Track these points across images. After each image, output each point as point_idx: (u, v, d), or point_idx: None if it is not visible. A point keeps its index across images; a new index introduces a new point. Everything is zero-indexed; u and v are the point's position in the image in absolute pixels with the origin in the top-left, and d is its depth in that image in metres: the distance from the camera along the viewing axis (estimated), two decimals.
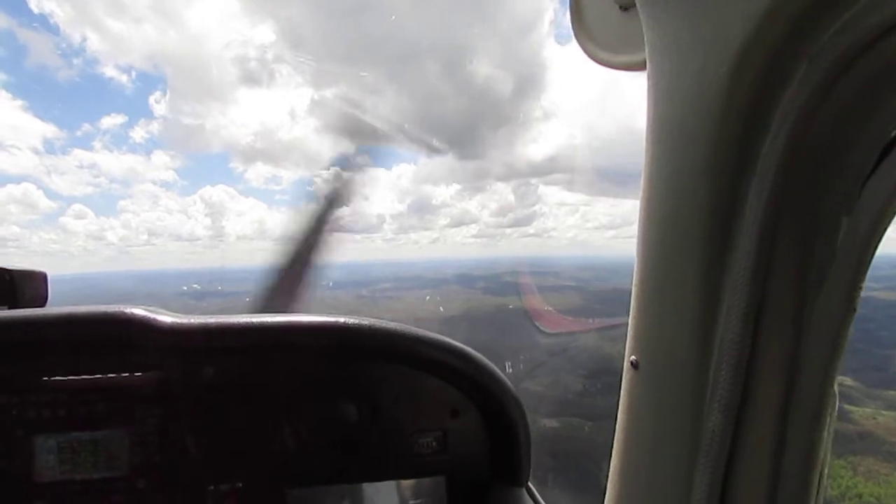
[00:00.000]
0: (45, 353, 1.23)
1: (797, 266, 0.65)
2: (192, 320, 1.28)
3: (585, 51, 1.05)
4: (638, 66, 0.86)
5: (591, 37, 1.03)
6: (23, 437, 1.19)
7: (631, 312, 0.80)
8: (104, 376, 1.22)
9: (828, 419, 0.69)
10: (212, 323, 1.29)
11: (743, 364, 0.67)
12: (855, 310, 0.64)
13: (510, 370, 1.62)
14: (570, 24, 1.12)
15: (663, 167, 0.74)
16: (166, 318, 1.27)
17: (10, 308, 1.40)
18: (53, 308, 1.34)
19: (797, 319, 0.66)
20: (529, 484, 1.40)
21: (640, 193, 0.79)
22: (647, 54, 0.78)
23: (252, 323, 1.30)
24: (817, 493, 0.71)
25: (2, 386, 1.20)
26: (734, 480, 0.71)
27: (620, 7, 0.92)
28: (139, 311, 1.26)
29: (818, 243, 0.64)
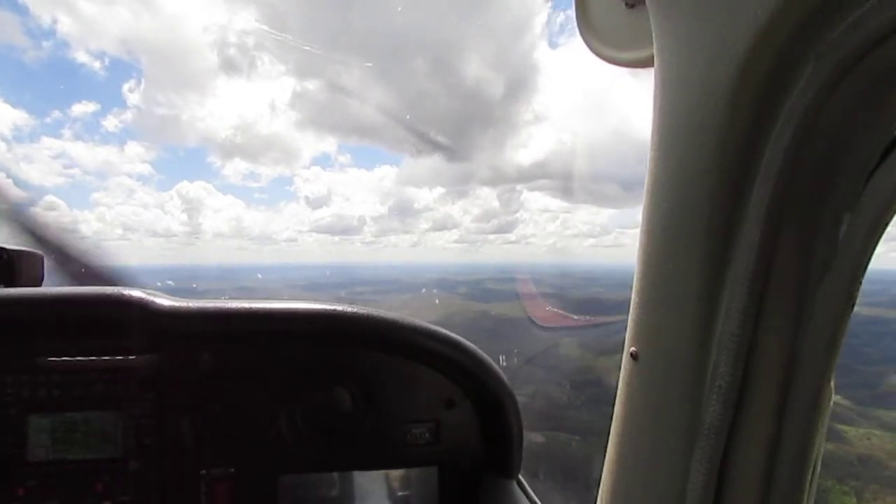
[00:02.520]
0: (42, 333, 1.22)
1: (799, 261, 0.67)
2: (191, 304, 1.27)
3: (591, 48, 1.06)
4: (644, 63, 0.87)
5: (597, 34, 1.04)
6: (17, 415, 1.18)
7: (631, 304, 0.81)
8: (100, 358, 1.21)
9: (825, 412, 0.70)
10: (210, 307, 1.28)
11: (742, 357, 0.68)
12: (854, 304, 0.65)
13: (504, 364, 1.63)
14: (565, 24, 1.14)
15: (668, 161, 0.75)
16: (165, 301, 1.27)
17: (5, 286, 1.37)
18: (49, 288, 1.32)
19: (797, 314, 0.68)
20: (520, 476, 1.41)
21: (644, 187, 0.80)
22: (655, 50, 0.79)
23: (250, 309, 1.30)
24: (810, 484, 0.72)
25: None
26: (730, 470, 0.72)
27: (626, 4, 0.94)
28: (137, 293, 1.25)
29: (820, 239, 0.66)
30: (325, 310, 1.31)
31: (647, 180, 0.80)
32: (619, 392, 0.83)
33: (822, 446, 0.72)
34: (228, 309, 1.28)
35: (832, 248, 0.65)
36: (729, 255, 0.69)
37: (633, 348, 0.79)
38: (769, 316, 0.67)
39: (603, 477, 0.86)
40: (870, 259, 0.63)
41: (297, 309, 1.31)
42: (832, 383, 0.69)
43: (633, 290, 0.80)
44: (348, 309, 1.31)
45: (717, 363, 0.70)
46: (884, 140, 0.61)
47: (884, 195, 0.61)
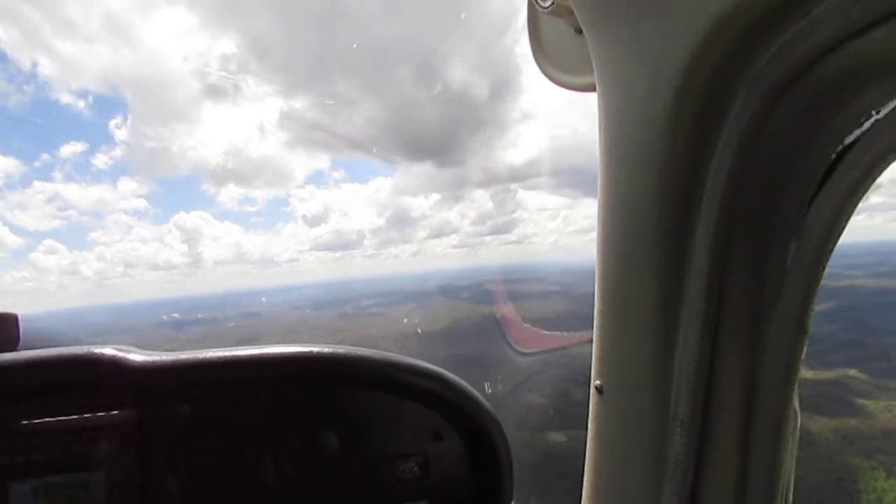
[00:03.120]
0: (18, 398, 1.20)
1: (750, 289, 0.66)
2: (165, 357, 1.26)
3: (543, 72, 1.07)
4: (593, 88, 0.87)
5: (549, 58, 1.04)
6: None
7: (594, 337, 0.80)
8: (79, 417, 1.20)
9: (789, 437, 0.69)
10: (184, 359, 1.27)
11: (702, 387, 0.67)
12: (807, 331, 0.65)
13: (489, 391, 1.62)
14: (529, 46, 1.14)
15: (616, 191, 0.75)
16: (137, 356, 1.25)
17: None
18: (22, 352, 1.31)
19: (752, 342, 0.67)
20: None
21: (597, 217, 0.79)
22: (596, 78, 0.79)
23: (224, 357, 1.28)
24: None
25: None
26: (701, 502, 0.71)
27: (575, 30, 0.94)
28: (108, 352, 1.23)
29: (769, 266, 0.65)
30: (302, 353, 1.30)
31: (598, 210, 0.79)
32: (589, 426, 0.82)
33: (791, 469, 0.71)
34: (203, 359, 1.27)
35: (781, 276, 0.64)
36: (681, 288, 0.68)
37: (597, 382, 0.78)
38: (725, 347, 0.67)
39: None
40: (818, 284, 0.62)
41: (273, 354, 1.30)
42: (796, 407, 0.68)
43: (595, 324, 0.80)
44: (325, 349, 1.30)
45: (678, 395, 0.69)
46: (821, 165, 0.61)
47: (826, 220, 0.60)
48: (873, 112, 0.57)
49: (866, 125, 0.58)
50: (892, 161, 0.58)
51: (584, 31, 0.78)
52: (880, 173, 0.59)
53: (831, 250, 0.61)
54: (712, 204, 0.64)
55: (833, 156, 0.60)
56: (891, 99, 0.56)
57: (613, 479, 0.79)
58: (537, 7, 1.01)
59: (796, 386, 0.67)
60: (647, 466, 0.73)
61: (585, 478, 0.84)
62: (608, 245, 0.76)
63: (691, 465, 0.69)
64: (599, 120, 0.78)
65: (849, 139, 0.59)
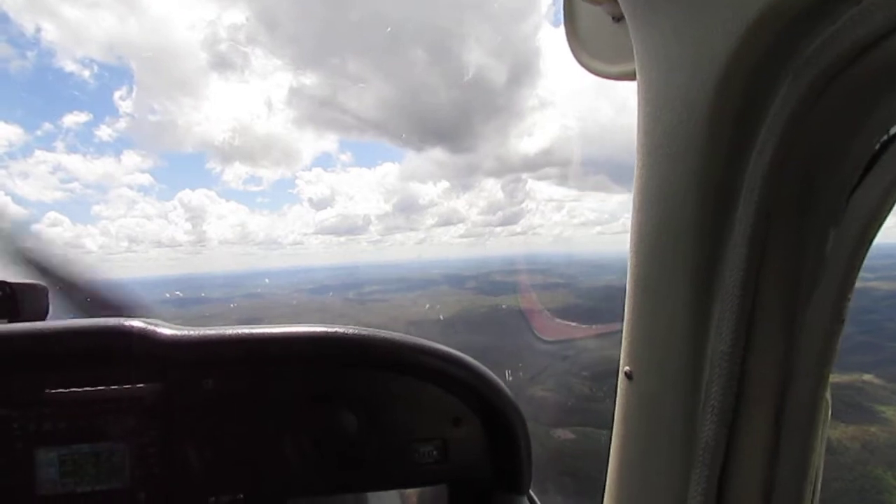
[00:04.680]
0: (46, 366, 1.23)
1: (787, 278, 0.66)
2: (192, 332, 1.29)
3: (579, 60, 1.07)
4: (630, 77, 0.87)
5: (585, 46, 1.04)
6: (23, 449, 1.20)
7: (624, 323, 0.81)
8: (105, 388, 1.22)
9: (821, 428, 0.69)
10: (212, 334, 1.29)
11: (735, 375, 0.68)
12: (843, 321, 0.65)
13: (510, 378, 1.63)
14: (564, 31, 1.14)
15: (653, 178, 0.75)
16: (166, 330, 1.28)
17: (10, 321, 1.39)
18: (53, 321, 1.34)
19: (788, 331, 0.67)
20: (531, 492, 1.41)
21: (631, 204, 0.80)
22: (636, 66, 0.79)
23: (252, 334, 1.31)
24: (812, 499, 0.72)
25: (2, 399, 1.20)
26: (728, 490, 0.71)
27: (613, 18, 0.94)
28: (138, 324, 1.26)
29: (807, 255, 0.65)
30: (327, 332, 1.31)
31: (633, 197, 0.79)
32: (616, 411, 0.83)
33: (821, 461, 0.71)
34: (230, 335, 1.29)
35: (819, 265, 0.64)
36: (717, 275, 0.68)
37: (627, 367, 0.79)
38: (760, 334, 0.67)
39: (605, 497, 0.86)
40: (857, 275, 0.63)
41: (298, 332, 1.31)
42: (828, 398, 0.69)
43: (626, 309, 0.80)
44: (349, 330, 1.31)
45: (710, 382, 0.70)
46: (864, 156, 0.61)
47: (867, 211, 0.61)
48: None
49: None
50: None
51: (627, 18, 0.78)
52: None
53: (871, 240, 0.61)
54: (752, 194, 0.64)
55: (877, 146, 0.60)
56: None
57: (640, 463, 0.80)
58: None
59: (829, 377, 0.68)
60: (675, 451, 0.74)
61: (610, 462, 0.85)
62: (643, 232, 0.77)
63: (721, 451, 0.70)
64: (638, 108, 0.79)
65: (894, 129, 0.59)
